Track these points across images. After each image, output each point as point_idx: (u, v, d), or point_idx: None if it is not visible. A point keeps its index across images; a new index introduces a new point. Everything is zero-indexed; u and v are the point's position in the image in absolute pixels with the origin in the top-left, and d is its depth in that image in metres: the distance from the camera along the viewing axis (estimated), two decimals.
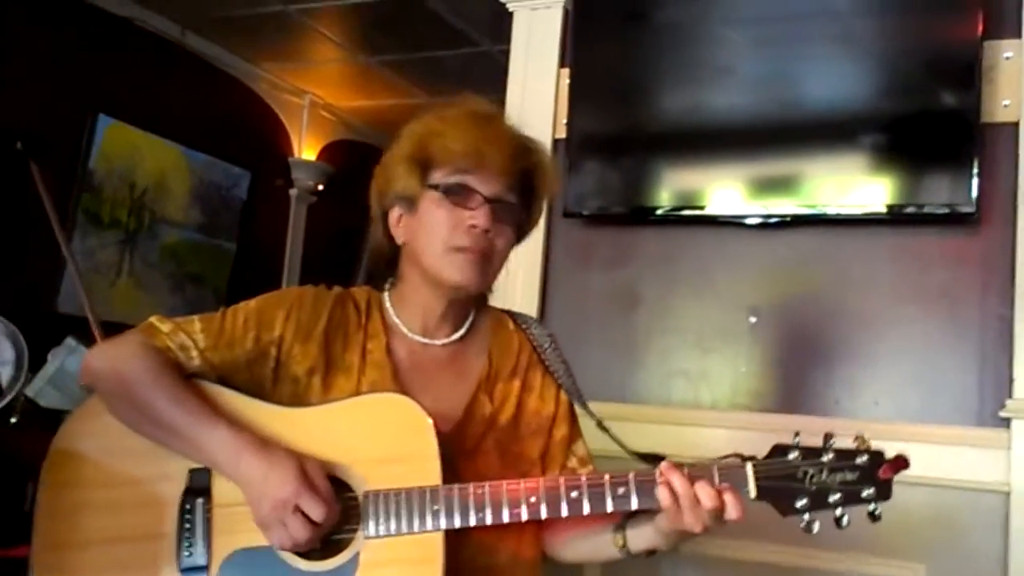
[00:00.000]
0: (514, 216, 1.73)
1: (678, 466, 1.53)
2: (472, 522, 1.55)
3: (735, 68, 2.93)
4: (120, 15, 5.16)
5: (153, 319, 1.73)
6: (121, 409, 1.66)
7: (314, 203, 6.73)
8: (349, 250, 6.88)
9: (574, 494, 1.55)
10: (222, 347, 1.69)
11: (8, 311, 3.44)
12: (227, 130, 5.94)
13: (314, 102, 6.56)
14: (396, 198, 1.74)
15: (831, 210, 2.74)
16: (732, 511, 1.49)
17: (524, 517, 1.56)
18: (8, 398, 3.30)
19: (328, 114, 6.73)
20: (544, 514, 1.56)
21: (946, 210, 2.60)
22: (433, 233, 1.68)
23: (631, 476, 1.56)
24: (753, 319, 2.82)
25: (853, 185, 2.73)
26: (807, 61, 2.88)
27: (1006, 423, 2.51)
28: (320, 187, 6.71)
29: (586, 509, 1.55)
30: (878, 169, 2.72)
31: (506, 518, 1.56)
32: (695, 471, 1.53)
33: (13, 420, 3.29)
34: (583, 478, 1.57)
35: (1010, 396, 2.51)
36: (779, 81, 2.88)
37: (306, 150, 6.62)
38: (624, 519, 1.66)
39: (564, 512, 1.56)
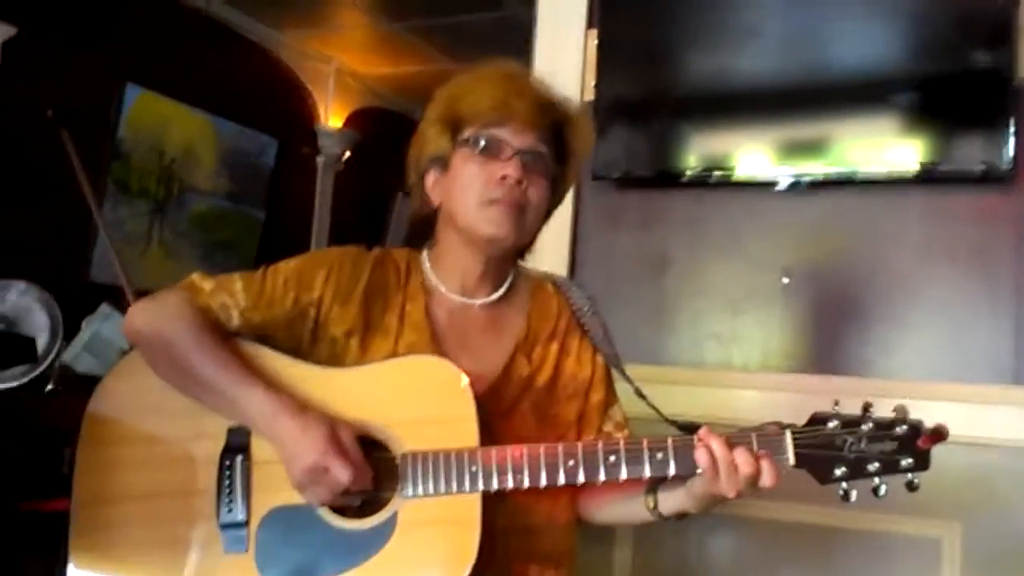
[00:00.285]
0: (547, 168, 1.73)
1: (716, 433, 1.54)
2: (510, 485, 1.56)
3: (763, 29, 2.90)
4: None
5: (195, 277, 1.74)
6: (162, 366, 1.67)
7: (341, 170, 6.74)
8: (377, 217, 6.93)
9: (612, 458, 1.56)
10: (262, 306, 1.70)
11: (42, 280, 3.47)
12: (254, 98, 5.95)
13: (340, 69, 6.56)
14: (430, 160, 1.75)
15: (862, 171, 2.72)
16: (767, 478, 1.50)
17: (561, 481, 1.56)
18: (44, 365, 3.34)
19: (354, 81, 6.72)
20: (582, 478, 1.56)
21: (981, 169, 2.58)
22: (467, 188, 1.69)
23: (669, 441, 1.56)
24: (785, 280, 2.81)
25: (885, 146, 2.71)
26: (836, 21, 2.85)
27: None
28: (347, 154, 6.72)
29: (624, 474, 1.56)
30: (910, 130, 2.70)
31: (544, 482, 1.56)
32: (733, 437, 1.53)
33: (49, 387, 3.33)
34: (621, 442, 1.57)
35: None
36: (808, 42, 2.85)
37: (332, 117, 6.63)
38: (656, 482, 1.66)
39: (602, 477, 1.56)
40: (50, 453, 2.70)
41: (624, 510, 1.76)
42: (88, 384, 1.74)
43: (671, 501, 1.66)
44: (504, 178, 1.67)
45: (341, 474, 1.53)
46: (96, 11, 4.91)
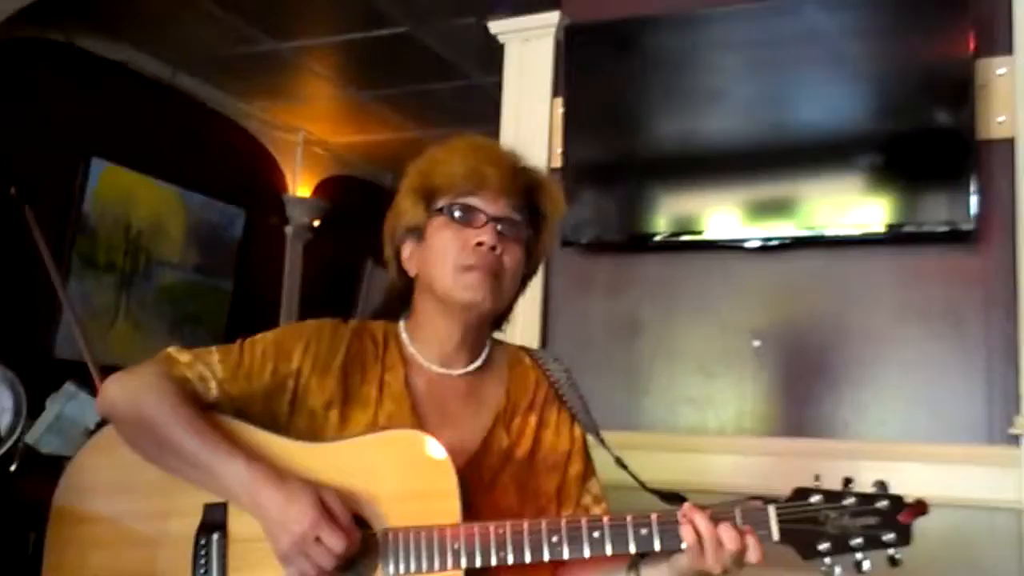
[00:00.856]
0: (520, 233, 1.73)
1: (700, 507, 1.52)
2: (493, 562, 1.53)
3: (728, 93, 2.94)
4: (112, 59, 5.17)
5: (171, 350, 1.71)
6: (138, 439, 1.65)
7: (310, 240, 6.72)
8: (347, 286, 6.90)
9: (596, 534, 1.53)
10: (240, 378, 1.68)
11: (5, 357, 3.42)
12: (221, 169, 5.94)
13: (307, 139, 6.57)
14: (405, 231, 1.75)
15: (830, 231, 2.74)
16: (753, 554, 1.49)
17: (546, 557, 1.53)
18: (8, 445, 3.27)
19: (322, 150, 6.73)
20: (567, 555, 1.53)
21: (945, 228, 2.60)
22: (443, 255, 1.69)
23: (653, 517, 1.53)
24: (757, 343, 2.81)
25: (851, 206, 2.74)
26: (800, 84, 2.89)
27: (1016, 440, 2.50)
28: (316, 224, 6.71)
29: (608, 550, 1.52)
30: (875, 189, 2.73)
31: (528, 558, 1.53)
32: (717, 512, 1.51)
33: (13, 468, 3.26)
34: (605, 518, 1.55)
35: (1018, 412, 2.50)
36: (772, 104, 2.89)
37: (300, 187, 6.63)
38: (638, 558, 1.63)
39: (586, 553, 1.53)
40: (14, 535, 2.63)
41: None
42: (53, 464, 1.71)
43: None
44: (479, 244, 1.67)
45: (333, 542, 1.49)
46: (60, 85, 4.90)
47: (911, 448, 2.55)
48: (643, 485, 1.71)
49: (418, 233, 1.73)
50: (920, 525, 1.50)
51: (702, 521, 1.49)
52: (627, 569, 1.64)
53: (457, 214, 1.69)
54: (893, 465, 1.58)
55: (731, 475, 2.64)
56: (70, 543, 1.64)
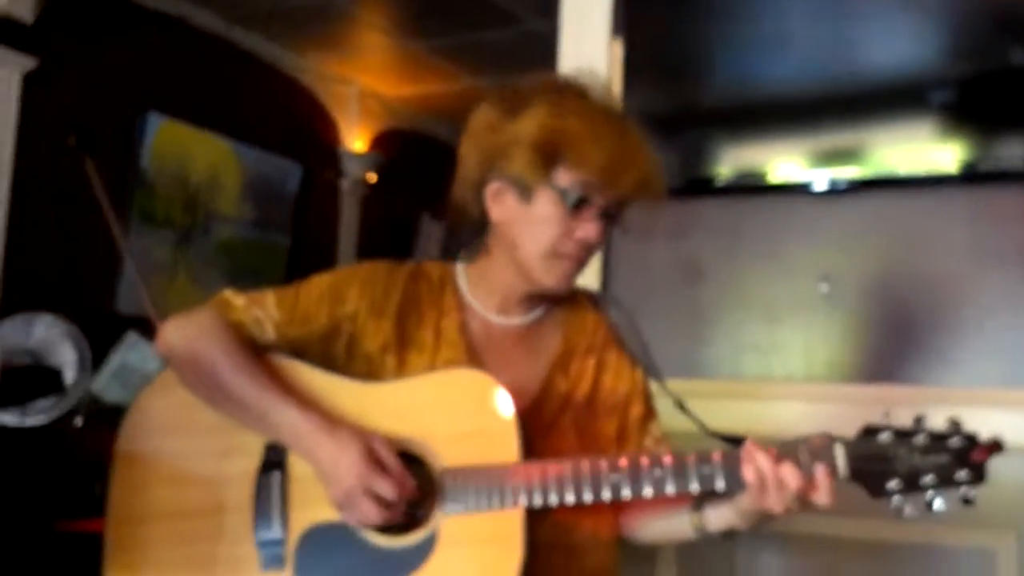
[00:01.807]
0: (620, 220, 1.67)
1: (763, 447, 1.48)
2: (553, 501, 1.51)
3: (794, 35, 2.86)
4: (167, 12, 5.17)
5: (227, 293, 1.72)
6: (194, 383, 1.66)
7: (367, 194, 6.71)
8: (403, 241, 6.90)
9: (657, 473, 1.50)
10: (296, 322, 1.68)
11: (67, 312, 3.44)
12: (276, 123, 5.94)
13: (363, 91, 6.54)
14: (508, 177, 1.63)
15: (900, 173, 2.67)
16: (823, 495, 1.45)
17: (606, 497, 1.51)
18: (73, 399, 3.31)
19: (377, 103, 6.70)
20: (628, 494, 1.51)
21: None
22: (541, 232, 1.62)
23: (716, 456, 1.50)
24: (825, 287, 2.75)
25: (922, 147, 2.67)
26: (868, 24, 2.80)
27: None
28: (372, 178, 6.70)
29: (670, 489, 1.50)
30: (948, 130, 2.66)
31: (588, 498, 1.51)
32: (782, 450, 1.48)
33: (79, 421, 3.30)
34: (667, 457, 1.52)
35: None
36: (840, 46, 2.82)
37: (356, 141, 6.60)
38: (701, 498, 1.61)
39: (648, 492, 1.51)
40: (82, 488, 2.67)
41: (667, 527, 1.70)
42: (117, 415, 1.74)
43: (717, 518, 1.60)
44: (583, 238, 1.61)
45: (385, 490, 1.50)
46: (116, 40, 4.91)
47: (986, 393, 2.48)
48: (705, 428, 1.68)
49: (524, 190, 1.62)
50: (997, 473, 1.46)
51: (764, 460, 1.46)
52: (691, 509, 1.62)
53: (574, 201, 1.60)
54: (967, 410, 1.51)
55: (797, 423, 2.58)
56: (133, 482, 1.67)
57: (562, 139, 1.58)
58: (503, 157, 1.62)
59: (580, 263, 1.65)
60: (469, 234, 1.74)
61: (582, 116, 1.60)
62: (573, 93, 1.64)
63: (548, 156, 1.59)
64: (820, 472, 1.45)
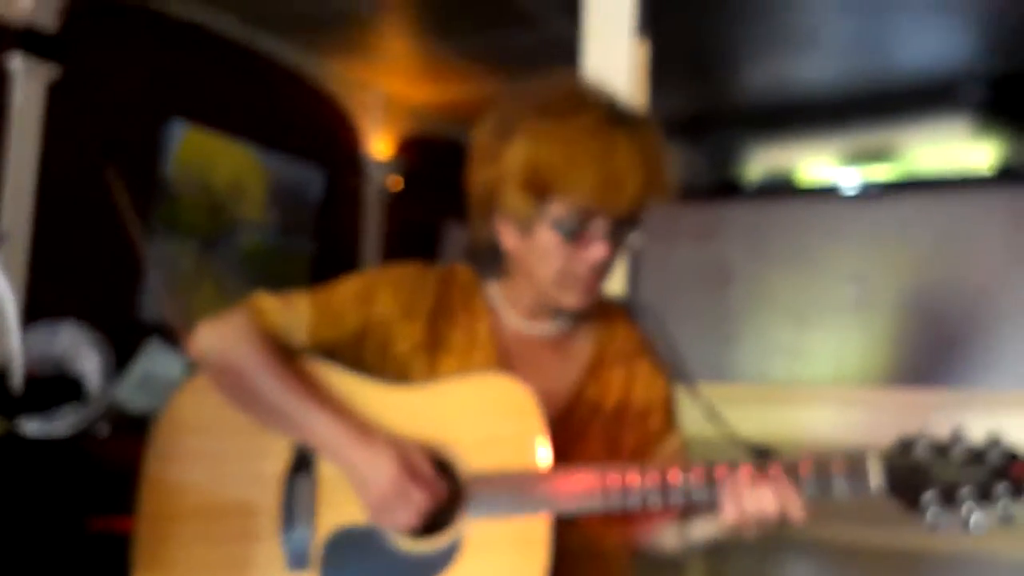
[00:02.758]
0: (636, 225, 1.61)
1: (793, 464, 1.47)
2: (581, 508, 1.51)
3: (824, 33, 2.82)
4: (191, 20, 5.18)
5: (259, 295, 1.72)
6: (227, 387, 1.67)
7: (391, 200, 6.70)
8: (428, 248, 6.89)
9: (681, 484, 1.49)
10: (327, 323, 1.67)
11: (90, 319, 3.44)
12: (300, 129, 5.95)
13: (387, 97, 6.53)
14: (505, 215, 1.61)
15: (932, 175, 2.62)
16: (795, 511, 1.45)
17: (635, 505, 1.50)
18: (96, 409, 3.30)
19: (401, 109, 6.69)
20: (659, 503, 1.49)
21: None
22: (546, 263, 1.59)
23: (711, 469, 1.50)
24: (854, 290, 2.70)
25: (955, 148, 2.62)
26: (900, 22, 2.75)
27: None
28: (397, 184, 6.69)
29: (700, 498, 1.49)
30: (982, 131, 2.61)
31: (616, 505, 1.50)
32: (816, 461, 1.46)
33: (104, 432, 3.30)
34: (695, 470, 1.50)
35: None
36: (871, 45, 2.77)
37: (381, 147, 6.60)
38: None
39: (677, 501, 1.50)
40: (110, 492, 2.66)
41: (660, 538, 1.70)
42: (142, 424, 1.75)
43: (700, 529, 1.61)
44: (590, 260, 1.57)
45: (420, 498, 1.51)
46: (140, 48, 4.92)
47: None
48: (735, 439, 1.63)
49: (522, 225, 1.59)
50: None
51: (749, 499, 1.45)
52: (679, 518, 1.63)
53: (571, 230, 1.55)
54: (1004, 415, 1.47)
55: (828, 429, 2.54)
56: (164, 481, 1.69)
57: (546, 173, 1.53)
58: (498, 194, 1.59)
59: (596, 280, 1.62)
60: (490, 253, 1.71)
61: (565, 142, 1.53)
62: (556, 112, 1.56)
63: (536, 190, 1.54)
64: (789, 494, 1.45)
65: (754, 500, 1.43)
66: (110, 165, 3.76)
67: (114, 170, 3.74)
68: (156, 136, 5.08)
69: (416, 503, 1.51)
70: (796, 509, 1.44)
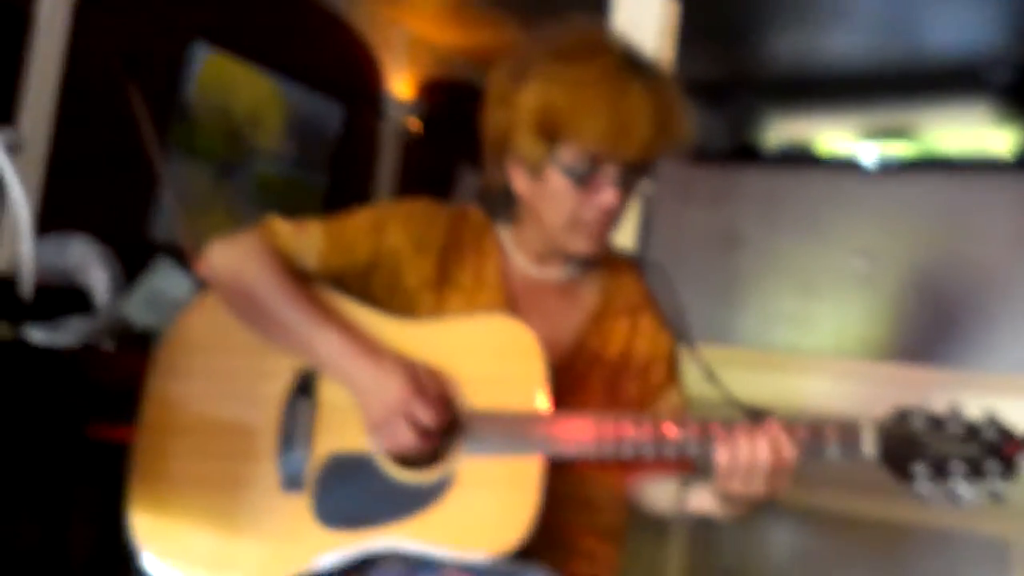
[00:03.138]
0: (646, 173, 1.64)
1: (788, 425, 1.47)
2: (575, 453, 1.53)
3: (853, 9, 2.80)
4: None
5: (273, 219, 1.74)
6: (237, 305, 1.68)
7: (408, 141, 6.68)
8: (441, 192, 6.87)
9: (678, 437, 1.51)
10: (339, 251, 1.68)
11: (101, 236, 3.45)
12: (323, 63, 5.90)
13: (412, 37, 6.49)
14: (517, 157, 1.65)
15: (952, 156, 2.61)
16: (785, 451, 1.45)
17: (629, 455, 1.52)
18: (102, 321, 3.32)
19: (426, 50, 6.64)
20: (652, 454, 1.51)
21: None
22: (556, 207, 1.62)
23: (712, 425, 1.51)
24: (862, 264, 2.70)
25: (977, 131, 2.61)
26: (929, 3, 2.73)
27: None
28: (417, 125, 6.66)
29: (692, 452, 1.51)
30: (1005, 115, 2.59)
31: (611, 454, 1.52)
32: (808, 428, 1.47)
33: (109, 346, 3.31)
34: (690, 424, 1.52)
35: None
36: (899, 24, 2.75)
37: (402, 87, 6.57)
38: (689, 477, 1.62)
39: (671, 453, 1.51)
40: (113, 403, 2.69)
41: (656, 494, 1.72)
42: (147, 340, 1.76)
43: (698, 500, 1.61)
44: (600, 205, 1.60)
45: (424, 415, 1.52)
46: None
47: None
48: (733, 401, 1.65)
49: (533, 169, 1.63)
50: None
51: (744, 446, 1.45)
52: (679, 483, 1.63)
53: (581, 175, 1.58)
54: (1002, 397, 1.49)
55: (824, 399, 2.56)
56: (166, 395, 1.71)
57: (557, 116, 1.55)
58: (510, 137, 1.62)
59: (606, 226, 1.64)
60: (502, 196, 1.73)
61: (576, 85, 1.55)
62: (570, 57, 1.58)
63: (547, 134, 1.57)
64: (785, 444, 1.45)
65: (748, 447, 1.44)
66: (131, 82, 3.75)
67: (135, 87, 3.73)
68: (179, 57, 5.06)
69: (419, 422, 1.51)
70: (789, 458, 1.44)
